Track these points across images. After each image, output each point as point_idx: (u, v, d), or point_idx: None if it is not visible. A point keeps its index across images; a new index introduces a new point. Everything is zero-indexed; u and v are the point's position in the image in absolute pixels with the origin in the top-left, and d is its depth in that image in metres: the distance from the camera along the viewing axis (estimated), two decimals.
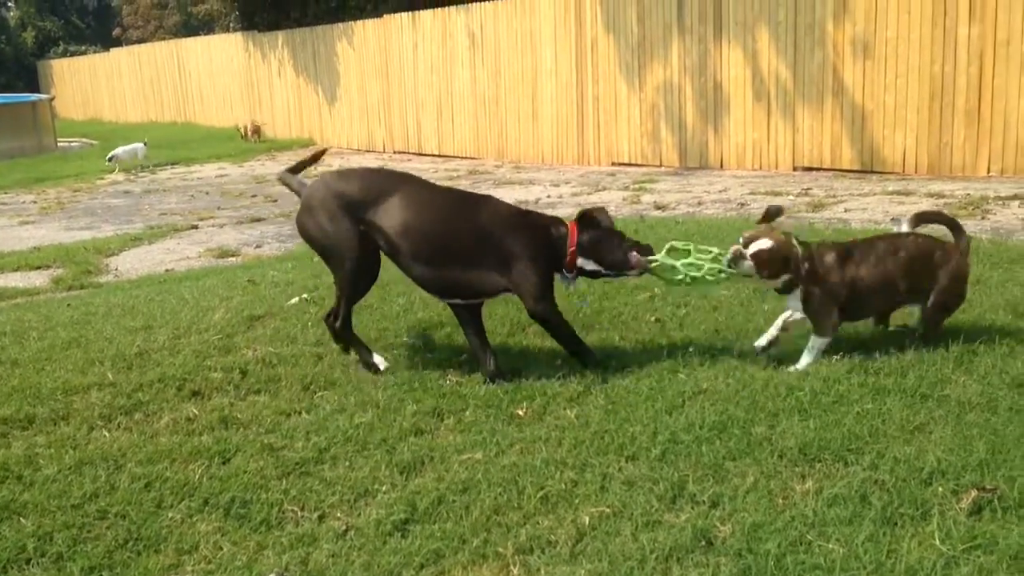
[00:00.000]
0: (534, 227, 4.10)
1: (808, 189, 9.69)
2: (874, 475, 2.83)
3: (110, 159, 16.24)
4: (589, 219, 4.08)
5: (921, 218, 4.07)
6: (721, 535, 2.58)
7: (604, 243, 4.06)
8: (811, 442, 3.08)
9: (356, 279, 4.19)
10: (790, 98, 11.30)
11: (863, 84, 10.62)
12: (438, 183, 4.38)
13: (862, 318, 4.14)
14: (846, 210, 8.16)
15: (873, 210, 8.05)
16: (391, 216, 4.04)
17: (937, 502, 2.67)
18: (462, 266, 4.02)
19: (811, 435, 3.12)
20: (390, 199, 4.07)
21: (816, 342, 3.91)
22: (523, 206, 4.44)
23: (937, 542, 2.46)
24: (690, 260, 3.96)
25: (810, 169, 11.23)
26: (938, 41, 9.90)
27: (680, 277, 3.94)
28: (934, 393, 3.45)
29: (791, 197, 9.20)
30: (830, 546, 2.47)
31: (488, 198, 4.26)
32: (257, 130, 20.85)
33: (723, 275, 3.92)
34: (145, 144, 16.73)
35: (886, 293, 3.94)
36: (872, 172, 10.63)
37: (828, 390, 3.51)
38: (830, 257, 3.92)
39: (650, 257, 4.00)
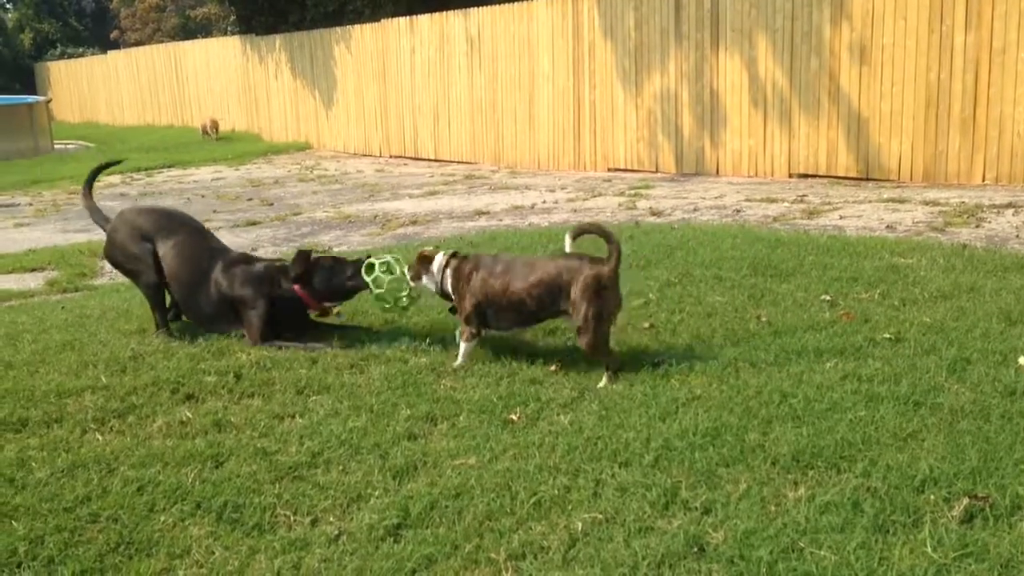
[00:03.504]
0: (262, 282, 4.74)
1: (804, 196, 9.71)
2: (867, 482, 2.84)
3: None
4: (305, 267, 4.67)
5: (579, 230, 4.13)
6: (713, 542, 2.59)
7: (324, 283, 4.69)
8: (804, 449, 3.08)
9: (160, 290, 4.92)
10: (787, 105, 11.33)
11: (859, 91, 10.65)
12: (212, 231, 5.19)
13: (503, 328, 4.29)
14: (841, 217, 8.17)
15: (868, 217, 8.06)
16: (166, 257, 4.89)
17: (929, 510, 2.67)
18: (200, 308, 4.87)
19: (804, 442, 3.13)
20: (168, 241, 4.91)
21: (460, 341, 4.25)
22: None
23: (929, 550, 2.47)
24: (385, 264, 4.45)
25: (806, 176, 11.25)
26: (934, 48, 9.94)
27: (375, 282, 4.41)
28: (927, 401, 3.46)
29: (786, 204, 9.21)
30: (822, 553, 2.48)
31: (235, 259, 4.89)
32: (215, 125, 21.09)
33: (405, 284, 4.41)
34: None
35: (517, 307, 4.14)
36: (868, 179, 10.66)
37: (822, 397, 3.52)
38: (466, 268, 4.25)
39: (372, 261, 4.48)
